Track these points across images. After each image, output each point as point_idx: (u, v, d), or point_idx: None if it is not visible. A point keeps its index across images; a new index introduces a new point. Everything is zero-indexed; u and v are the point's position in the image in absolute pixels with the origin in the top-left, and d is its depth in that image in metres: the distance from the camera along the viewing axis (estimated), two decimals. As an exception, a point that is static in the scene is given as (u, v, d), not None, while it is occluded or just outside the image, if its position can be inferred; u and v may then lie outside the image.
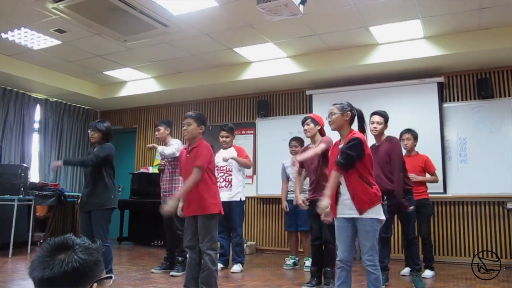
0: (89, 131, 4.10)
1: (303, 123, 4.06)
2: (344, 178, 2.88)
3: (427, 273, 4.51)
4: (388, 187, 3.82)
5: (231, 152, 4.97)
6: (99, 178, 3.92)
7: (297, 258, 5.29)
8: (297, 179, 4.18)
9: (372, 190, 2.84)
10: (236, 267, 4.81)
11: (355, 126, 3.06)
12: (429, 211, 4.77)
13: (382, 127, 4.05)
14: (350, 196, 2.84)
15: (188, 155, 3.37)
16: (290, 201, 5.22)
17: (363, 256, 2.87)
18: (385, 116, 4.08)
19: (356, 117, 3.03)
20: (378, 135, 4.07)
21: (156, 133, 4.84)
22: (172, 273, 4.52)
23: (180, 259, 4.57)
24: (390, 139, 4.05)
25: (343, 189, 2.91)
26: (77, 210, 7.94)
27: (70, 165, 4.00)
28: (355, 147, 2.84)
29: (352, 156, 2.81)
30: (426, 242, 4.62)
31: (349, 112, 3.00)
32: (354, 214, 2.84)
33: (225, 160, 4.87)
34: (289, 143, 5.31)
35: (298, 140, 5.21)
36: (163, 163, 4.78)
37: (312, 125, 3.96)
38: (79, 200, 4.14)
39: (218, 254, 3.32)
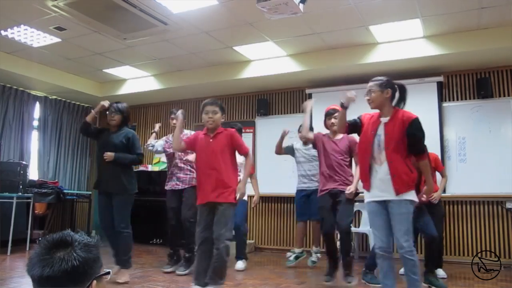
0: (108, 113, 3.99)
1: (330, 115, 3.98)
2: (386, 158, 2.70)
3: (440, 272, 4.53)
4: None
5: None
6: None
7: (300, 251, 5.08)
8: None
9: (412, 174, 2.70)
10: (240, 264, 4.77)
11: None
12: (441, 212, 4.64)
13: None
14: (390, 174, 2.66)
15: (211, 140, 3.28)
16: (299, 191, 5.07)
17: (398, 241, 2.64)
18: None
19: (398, 93, 2.85)
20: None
21: (174, 122, 4.53)
22: (178, 271, 4.36)
23: (187, 255, 4.41)
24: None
25: (376, 170, 2.74)
26: (76, 207, 7.96)
27: (119, 161, 3.92)
28: (421, 128, 2.73)
29: (423, 139, 2.71)
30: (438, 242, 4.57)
31: (389, 89, 2.82)
32: (386, 196, 2.68)
33: None
34: (298, 129, 5.20)
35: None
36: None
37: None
38: (97, 182, 4.06)
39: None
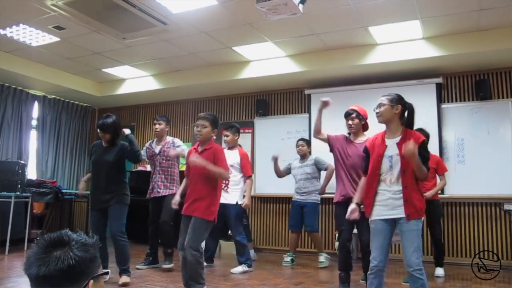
0: (98, 131, 4.03)
1: (346, 117, 3.80)
2: (402, 182, 2.64)
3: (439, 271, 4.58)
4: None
5: (234, 154, 4.95)
6: (120, 174, 4.03)
7: (294, 255, 5.44)
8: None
9: (423, 199, 2.66)
10: (237, 268, 4.68)
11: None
12: (439, 212, 4.65)
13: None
14: (402, 199, 2.62)
15: (198, 155, 3.33)
16: (294, 202, 5.48)
17: (407, 260, 2.58)
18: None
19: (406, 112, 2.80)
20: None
21: (157, 126, 4.85)
22: (164, 266, 4.61)
23: (169, 251, 4.68)
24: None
25: (385, 189, 2.70)
26: (75, 207, 7.95)
27: (131, 144, 4.01)
28: (427, 149, 2.71)
29: (428, 160, 2.67)
30: (437, 242, 4.58)
31: (399, 105, 2.77)
32: (396, 214, 2.63)
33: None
34: (296, 143, 5.57)
35: (305, 141, 5.54)
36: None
37: (357, 120, 3.74)
38: (89, 199, 4.18)
39: (202, 254, 3.33)
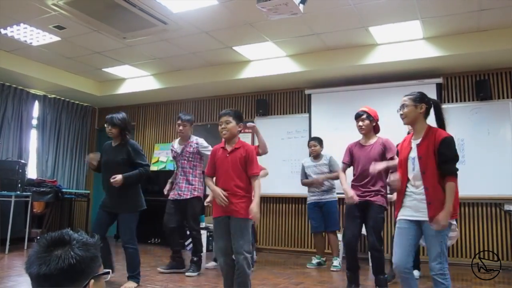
0: (105, 125, 3.88)
1: (357, 118, 3.73)
2: (423, 184, 2.58)
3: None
4: None
5: None
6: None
7: (323, 259, 5.27)
8: (343, 176, 3.81)
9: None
10: None
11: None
12: None
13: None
14: (426, 202, 2.55)
15: (228, 155, 3.07)
16: (311, 204, 5.30)
17: (430, 264, 2.53)
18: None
19: (432, 109, 2.72)
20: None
21: (181, 128, 4.56)
22: (187, 273, 4.38)
23: (195, 259, 4.51)
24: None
25: (412, 191, 2.64)
26: (75, 206, 7.95)
27: (129, 182, 3.78)
28: (453, 147, 2.57)
29: (456, 158, 2.57)
30: None
31: (424, 104, 2.67)
32: (421, 217, 2.56)
33: None
34: (308, 143, 5.44)
35: (317, 140, 5.34)
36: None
37: (367, 121, 3.68)
38: (102, 201, 3.92)
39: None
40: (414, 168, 2.65)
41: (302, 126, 6.60)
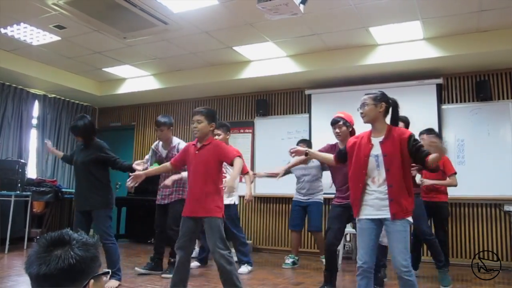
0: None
1: (333, 125, 3.76)
2: (386, 181, 2.61)
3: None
4: None
5: None
6: (99, 175, 3.87)
7: (296, 258, 5.27)
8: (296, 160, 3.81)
9: (410, 198, 2.60)
10: (242, 269, 4.62)
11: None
12: (444, 214, 4.61)
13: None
14: (388, 199, 2.58)
15: (197, 152, 3.14)
16: (296, 202, 5.35)
17: (394, 261, 2.54)
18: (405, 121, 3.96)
19: (390, 109, 2.75)
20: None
21: (159, 133, 4.54)
22: (163, 275, 4.34)
23: (172, 260, 4.38)
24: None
25: (373, 189, 2.66)
26: (74, 207, 7.95)
27: (120, 167, 3.92)
28: (417, 140, 2.63)
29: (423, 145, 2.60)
30: (442, 244, 4.57)
31: (383, 103, 2.71)
32: (382, 214, 2.59)
33: None
34: (297, 144, 5.31)
35: (305, 142, 5.33)
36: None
37: (344, 128, 3.71)
38: (74, 202, 4.02)
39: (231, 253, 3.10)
40: (378, 166, 2.67)
41: (302, 126, 6.60)
